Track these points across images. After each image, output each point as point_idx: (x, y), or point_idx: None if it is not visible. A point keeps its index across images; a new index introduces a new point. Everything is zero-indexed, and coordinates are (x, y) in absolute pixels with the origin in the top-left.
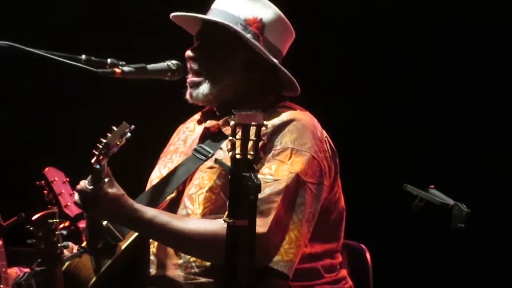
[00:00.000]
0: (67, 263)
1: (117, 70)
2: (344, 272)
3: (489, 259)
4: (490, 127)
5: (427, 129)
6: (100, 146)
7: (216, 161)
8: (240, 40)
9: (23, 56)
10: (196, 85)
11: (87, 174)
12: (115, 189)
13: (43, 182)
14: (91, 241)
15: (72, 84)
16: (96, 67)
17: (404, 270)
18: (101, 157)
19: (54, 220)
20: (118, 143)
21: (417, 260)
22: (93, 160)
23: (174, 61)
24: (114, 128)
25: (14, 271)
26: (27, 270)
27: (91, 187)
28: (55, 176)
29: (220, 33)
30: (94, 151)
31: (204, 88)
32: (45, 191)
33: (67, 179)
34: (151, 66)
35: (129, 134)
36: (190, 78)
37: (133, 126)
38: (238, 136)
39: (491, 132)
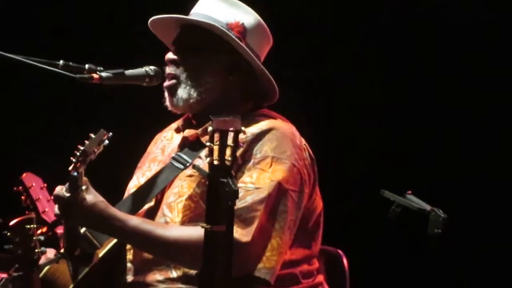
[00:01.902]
0: (45, 270)
1: (95, 75)
2: (320, 278)
3: (465, 264)
4: (467, 132)
5: (404, 135)
6: (78, 153)
7: (194, 166)
8: (222, 43)
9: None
10: (173, 90)
11: (65, 180)
12: (92, 196)
13: (20, 187)
14: (69, 248)
15: (53, 88)
16: (74, 72)
17: (381, 276)
18: (78, 164)
19: (32, 226)
20: (95, 150)
21: (394, 266)
22: (70, 167)
23: (152, 67)
24: (92, 135)
25: None
26: (4, 275)
27: (68, 194)
28: (33, 182)
29: (202, 36)
30: (71, 158)
31: (183, 92)
32: (23, 197)
33: (45, 184)
34: (129, 72)
35: (106, 141)
36: (166, 82)
37: (110, 133)
38: (216, 142)
39: (468, 137)
